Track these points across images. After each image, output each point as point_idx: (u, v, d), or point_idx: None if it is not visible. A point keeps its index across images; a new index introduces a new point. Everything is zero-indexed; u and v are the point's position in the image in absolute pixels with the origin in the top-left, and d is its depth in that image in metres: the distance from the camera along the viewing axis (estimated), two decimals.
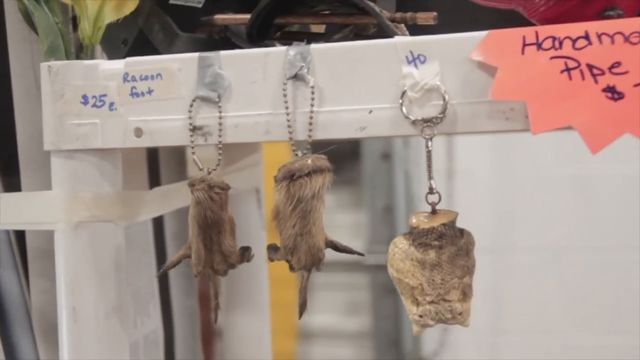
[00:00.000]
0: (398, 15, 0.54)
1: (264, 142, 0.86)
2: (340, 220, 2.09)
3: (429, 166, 0.50)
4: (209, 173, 0.54)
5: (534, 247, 1.81)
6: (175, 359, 0.80)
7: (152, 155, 0.76)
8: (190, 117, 0.54)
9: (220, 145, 0.54)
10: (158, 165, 0.76)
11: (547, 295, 1.79)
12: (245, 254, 0.56)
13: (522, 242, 1.82)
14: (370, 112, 0.51)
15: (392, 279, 0.50)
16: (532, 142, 1.77)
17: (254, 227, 0.81)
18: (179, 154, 0.79)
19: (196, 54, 0.54)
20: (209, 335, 0.87)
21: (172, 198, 0.63)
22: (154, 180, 0.76)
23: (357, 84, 0.51)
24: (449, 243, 0.49)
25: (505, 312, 1.85)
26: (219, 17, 0.59)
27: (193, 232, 0.54)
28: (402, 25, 0.55)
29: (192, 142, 0.54)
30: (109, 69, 0.56)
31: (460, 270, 0.50)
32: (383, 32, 0.54)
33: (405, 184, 1.94)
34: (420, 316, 0.49)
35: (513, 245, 1.83)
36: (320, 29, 0.64)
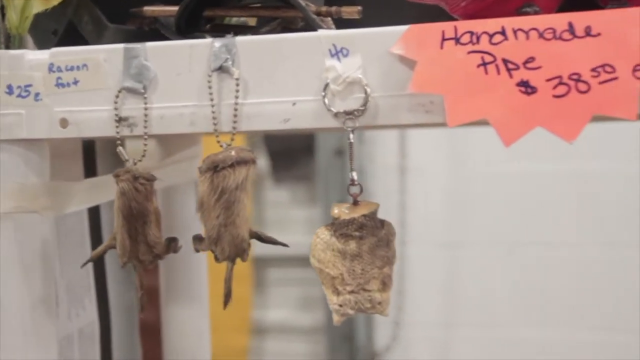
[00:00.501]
0: (324, 9, 0.54)
1: (205, 136, 0.86)
2: (294, 215, 2.10)
3: (351, 158, 0.51)
4: (135, 164, 0.54)
5: (486, 242, 1.83)
6: (112, 352, 0.80)
7: (89, 147, 0.76)
8: (115, 108, 0.54)
9: (146, 137, 0.54)
10: (94, 157, 0.76)
11: (498, 290, 1.82)
12: (171, 244, 0.56)
13: (475, 237, 1.84)
14: (294, 104, 0.52)
15: (314, 269, 0.51)
16: (484, 138, 1.79)
17: (192, 219, 0.81)
18: (115, 145, 0.78)
19: (122, 45, 0.54)
20: (147, 329, 0.87)
21: (104, 189, 0.63)
22: (90, 172, 0.76)
23: (281, 76, 0.52)
24: (369, 234, 0.50)
25: (457, 307, 1.87)
26: (148, 9, 0.59)
27: (118, 223, 0.54)
28: (329, 19, 0.56)
29: (117, 133, 0.54)
30: (34, 59, 0.55)
31: (380, 260, 0.50)
32: (310, 26, 0.55)
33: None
34: (340, 305, 0.50)
35: (465, 240, 1.85)
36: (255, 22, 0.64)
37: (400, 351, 1.92)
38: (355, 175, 0.51)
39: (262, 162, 2.09)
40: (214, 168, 0.51)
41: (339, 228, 0.51)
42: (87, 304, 0.76)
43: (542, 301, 1.78)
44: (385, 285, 0.50)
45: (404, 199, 1.87)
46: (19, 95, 0.55)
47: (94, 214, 0.77)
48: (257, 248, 1.92)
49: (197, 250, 0.54)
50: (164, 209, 0.81)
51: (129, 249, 0.54)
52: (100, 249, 0.56)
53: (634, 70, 0.44)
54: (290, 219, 2.11)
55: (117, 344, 0.80)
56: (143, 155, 0.54)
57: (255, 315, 2.10)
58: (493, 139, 1.53)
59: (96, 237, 0.76)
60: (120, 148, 0.54)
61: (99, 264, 0.78)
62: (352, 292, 0.50)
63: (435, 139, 1.86)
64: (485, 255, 1.83)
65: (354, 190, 0.51)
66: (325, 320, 1.99)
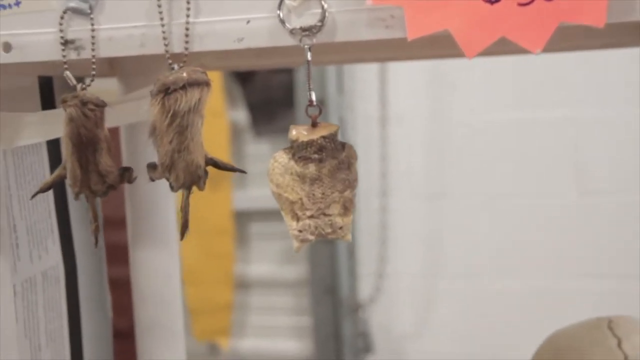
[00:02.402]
0: None
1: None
2: None
3: (309, 77, 0.49)
4: (83, 89, 0.51)
5: (468, 193, 1.82)
6: (79, 294, 0.78)
7: (46, 82, 0.73)
8: (61, 30, 0.51)
9: (94, 60, 0.51)
10: (53, 92, 0.73)
11: (482, 241, 1.81)
12: (125, 174, 0.53)
13: (457, 188, 1.83)
14: (248, 22, 0.49)
15: (272, 194, 0.49)
16: (467, 87, 1.77)
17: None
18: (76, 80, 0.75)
19: None
20: (118, 277, 0.85)
21: (58, 123, 0.60)
22: (49, 108, 0.73)
23: None
24: (329, 156, 0.48)
25: (440, 258, 1.86)
26: None
27: (67, 151, 0.51)
28: None
29: (64, 56, 0.51)
30: None
31: (341, 184, 0.48)
32: None
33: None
34: (300, 231, 0.48)
35: (448, 191, 1.83)
36: None
37: (383, 302, 1.92)
38: (313, 95, 0.49)
39: (242, 115, 2.06)
40: (165, 90, 0.49)
41: (297, 151, 0.48)
42: (50, 246, 0.73)
43: (525, 252, 1.77)
44: (346, 209, 0.48)
45: (385, 150, 1.85)
46: None
47: (54, 153, 0.74)
48: (239, 202, 1.90)
49: (152, 179, 0.52)
50: (126, 147, 0.79)
51: (80, 178, 0.51)
52: (50, 178, 0.53)
53: None
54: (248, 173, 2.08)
55: (84, 285, 0.78)
56: (92, 80, 0.51)
57: (238, 270, 2.09)
58: (476, 87, 1.52)
59: None
60: (67, 72, 0.51)
61: (61, 205, 0.76)
62: (311, 217, 0.48)
63: (416, 88, 1.83)
64: (468, 206, 1.82)
65: (313, 111, 0.49)
66: (308, 274, 1.98)
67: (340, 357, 1.97)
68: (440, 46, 0.66)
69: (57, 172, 0.53)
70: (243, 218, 2.07)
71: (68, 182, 0.52)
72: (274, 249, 2.08)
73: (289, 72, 1.99)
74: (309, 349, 2.04)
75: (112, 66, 0.80)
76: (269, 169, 0.49)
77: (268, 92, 2.05)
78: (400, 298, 1.93)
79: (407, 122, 1.85)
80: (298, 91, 1.98)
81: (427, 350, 1.90)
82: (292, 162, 0.48)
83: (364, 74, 1.86)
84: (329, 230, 0.48)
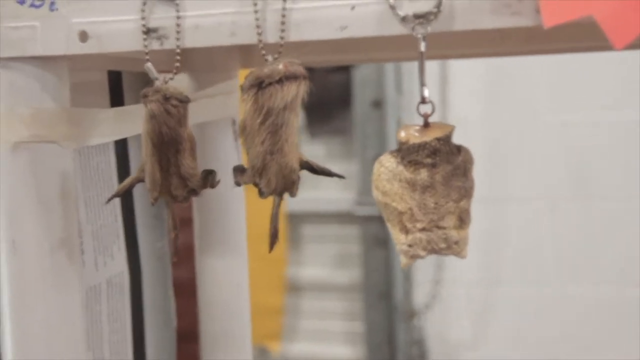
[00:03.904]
0: None
1: (241, 69, 0.78)
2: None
3: (422, 71, 0.43)
4: (166, 82, 0.46)
5: (527, 197, 1.76)
6: (144, 304, 0.73)
7: (115, 77, 0.68)
8: (143, 18, 0.46)
9: (179, 50, 0.46)
10: (121, 87, 0.69)
11: (541, 247, 1.75)
12: (209, 177, 0.48)
13: (516, 192, 1.77)
14: (353, 8, 0.43)
15: (377, 203, 0.43)
16: (526, 89, 1.71)
17: (230, 162, 0.74)
18: (144, 76, 0.71)
19: None
20: (181, 281, 0.80)
21: (132, 120, 0.56)
22: (118, 105, 0.68)
23: None
24: (443, 161, 0.42)
25: (497, 264, 1.80)
26: None
27: (147, 152, 0.46)
28: None
29: (145, 46, 0.46)
30: None
31: (456, 192, 0.42)
32: None
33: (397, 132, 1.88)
34: (410, 246, 0.42)
35: (507, 195, 1.77)
36: None
37: (439, 310, 1.87)
38: (426, 91, 0.43)
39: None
40: (259, 84, 0.43)
41: (407, 154, 0.42)
42: (115, 252, 0.69)
43: (586, 258, 1.70)
44: (462, 221, 0.42)
45: None
46: (32, 5, 0.47)
47: (122, 152, 0.70)
48: (292, 204, 1.86)
49: (238, 184, 0.46)
50: (197, 148, 0.73)
51: (160, 181, 0.46)
52: (127, 181, 0.48)
53: None
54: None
55: (148, 295, 0.74)
56: (175, 72, 0.46)
57: (290, 273, 2.05)
58: (537, 88, 1.45)
59: (124, 178, 0.69)
60: (149, 64, 0.46)
61: (128, 209, 0.71)
62: (423, 229, 0.42)
63: (476, 89, 1.77)
64: (527, 211, 1.76)
65: (425, 109, 0.43)
66: (361, 278, 1.93)
67: None
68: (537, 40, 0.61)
69: (134, 175, 0.48)
70: (296, 220, 2.03)
71: (146, 186, 0.47)
72: (327, 252, 2.03)
73: (345, 70, 1.94)
74: (362, 355, 1.99)
75: (183, 62, 0.75)
76: (374, 174, 0.43)
77: (324, 91, 2.00)
78: (456, 305, 1.87)
79: (467, 123, 1.79)
80: (355, 90, 1.92)
81: (483, 359, 1.84)
82: (401, 167, 0.42)
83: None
84: (443, 245, 0.42)
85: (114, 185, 0.69)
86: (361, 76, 1.92)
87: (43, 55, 0.48)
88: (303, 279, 2.05)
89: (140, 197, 0.72)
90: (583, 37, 0.54)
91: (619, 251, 1.68)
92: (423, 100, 0.43)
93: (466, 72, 1.76)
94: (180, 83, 0.76)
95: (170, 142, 0.46)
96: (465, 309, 1.86)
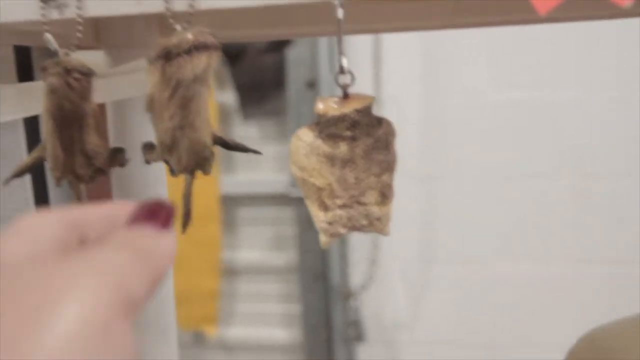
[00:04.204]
0: None
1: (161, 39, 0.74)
2: (264, 152, 1.99)
3: (340, 39, 0.40)
4: (67, 55, 0.43)
5: (462, 175, 1.76)
6: None
7: (24, 53, 0.64)
8: None
9: (80, 20, 0.43)
10: (31, 65, 0.65)
11: (476, 224, 1.75)
12: (117, 155, 0.45)
13: (452, 169, 1.76)
14: None
15: (295, 179, 0.41)
16: (462, 66, 1.70)
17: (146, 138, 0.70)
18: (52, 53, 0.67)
19: None
20: None
21: (38, 98, 0.52)
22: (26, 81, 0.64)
23: None
24: (363, 134, 0.40)
25: (434, 243, 1.80)
26: None
27: (48, 128, 0.43)
28: None
29: (43, 15, 0.43)
30: None
31: (378, 166, 0.40)
32: None
33: None
34: (330, 223, 0.40)
35: (441, 173, 1.77)
36: None
37: (376, 289, 1.86)
38: (344, 61, 0.40)
39: (229, 96, 1.98)
40: (166, 55, 0.40)
41: (325, 127, 0.40)
42: None
43: (521, 236, 1.72)
44: (384, 197, 0.40)
45: None
46: None
47: (32, 131, 0.66)
48: (226, 186, 1.82)
49: (148, 161, 0.44)
50: (113, 126, 0.70)
51: (63, 160, 0.43)
52: (27, 160, 0.45)
53: None
54: (260, 155, 2.01)
55: None
56: (77, 44, 0.43)
57: (226, 256, 2.02)
58: (471, 66, 1.44)
59: None
60: (48, 35, 0.43)
61: (40, 192, 0.68)
62: (344, 206, 0.40)
63: (410, 68, 1.76)
64: (462, 189, 1.76)
65: (344, 80, 0.41)
66: (297, 260, 1.91)
67: (330, 346, 1.91)
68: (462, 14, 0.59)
69: (34, 153, 0.44)
70: (230, 203, 1.99)
71: (48, 165, 0.44)
72: (263, 235, 2.01)
73: (279, 52, 1.91)
74: (299, 337, 1.98)
75: (98, 37, 0.71)
76: (290, 149, 0.41)
77: (257, 73, 1.97)
78: (393, 285, 1.86)
79: (402, 102, 1.78)
80: (289, 71, 1.90)
81: (421, 339, 1.85)
82: (320, 141, 0.40)
83: (358, 54, 1.79)
84: (365, 222, 0.40)
85: None
86: (295, 57, 1.90)
87: None
88: (239, 262, 2.03)
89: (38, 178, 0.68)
90: (509, 9, 0.52)
91: (554, 230, 1.69)
92: (341, 70, 0.40)
93: (399, 50, 1.75)
94: (97, 60, 0.72)
95: (72, 118, 0.42)
96: (401, 289, 1.86)
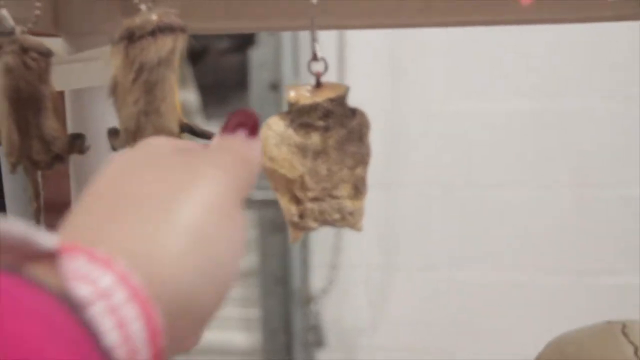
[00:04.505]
0: None
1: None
2: None
3: (313, 25, 0.39)
4: (24, 33, 0.40)
5: (424, 183, 1.75)
6: None
7: None
8: None
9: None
10: None
11: (437, 231, 1.75)
12: (75, 142, 0.43)
13: (413, 177, 1.76)
14: None
15: (264, 170, 0.39)
16: (423, 76, 1.71)
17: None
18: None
19: None
20: None
21: None
22: None
23: None
24: (337, 124, 0.38)
25: (395, 249, 1.80)
26: None
27: (2, 111, 0.40)
28: None
29: None
30: None
31: (351, 158, 0.38)
32: None
33: None
34: (301, 217, 0.38)
35: (403, 181, 1.77)
36: None
37: (337, 294, 1.85)
38: (317, 47, 0.39)
39: (192, 96, 1.96)
40: (129, 37, 0.38)
41: (297, 116, 0.38)
42: None
43: (481, 243, 1.72)
44: (358, 190, 0.38)
45: None
46: None
47: None
48: None
49: (114, 148, 0.41)
50: (72, 113, 0.67)
51: (18, 145, 0.40)
52: None
53: None
54: None
55: None
56: (36, 22, 0.41)
57: None
58: (433, 75, 1.43)
59: None
60: (3, 11, 0.40)
61: None
62: (315, 199, 0.38)
63: (374, 75, 1.76)
64: (424, 196, 1.76)
65: (317, 67, 0.39)
66: (258, 263, 1.89)
67: (290, 351, 1.90)
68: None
69: None
70: None
71: (2, 149, 0.41)
72: None
73: (242, 52, 1.90)
74: (258, 341, 1.96)
75: (58, 24, 0.69)
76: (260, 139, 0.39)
77: (220, 73, 1.95)
78: (354, 290, 1.85)
79: (365, 108, 1.77)
80: (252, 72, 1.88)
81: (381, 345, 1.84)
82: (291, 131, 0.38)
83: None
84: (337, 216, 0.38)
85: None
86: (258, 58, 1.88)
87: None
88: None
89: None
90: (474, 10, 0.52)
91: (511, 236, 1.70)
92: (314, 57, 0.38)
93: (363, 56, 1.74)
94: (55, 47, 0.69)
95: (29, 100, 0.40)
96: (362, 294, 1.85)
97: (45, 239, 0.22)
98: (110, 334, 0.21)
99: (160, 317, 0.24)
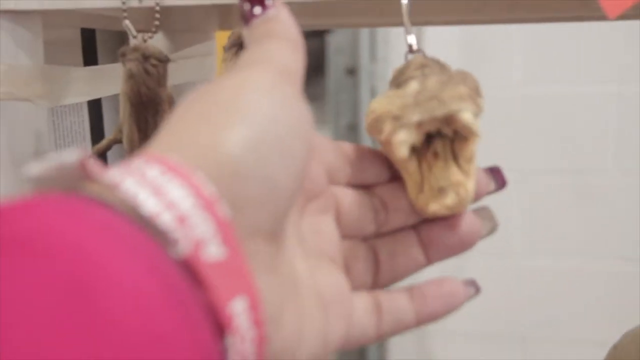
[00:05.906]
0: None
1: (218, 31, 0.77)
2: None
3: (406, 18, 0.41)
4: (145, 41, 0.45)
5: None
6: None
7: (88, 35, 0.66)
8: None
9: (158, 8, 0.45)
10: (95, 46, 0.67)
11: (515, 218, 1.75)
12: None
13: (487, 163, 1.76)
14: None
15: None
16: (501, 57, 1.70)
17: None
18: (119, 34, 0.69)
19: None
20: None
21: (107, 80, 0.54)
22: (91, 64, 0.67)
23: None
24: (433, 72, 0.39)
25: None
26: None
27: (125, 112, 0.45)
28: None
29: (123, 3, 0.45)
30: None
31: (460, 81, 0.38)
32: None
33: (370, 101, 1.87)
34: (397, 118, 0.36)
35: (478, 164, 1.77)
36: None
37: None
38: (413, 39, 0.41)
39: None
40: (240, 44, 0.42)
41: (394, 81, 0.39)
42: None
43: (556, 230, 1.72)
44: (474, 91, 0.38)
45: None
46: None
47: (96, 112, 0.68)
48: None
49: None
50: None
51: (138, 143, 0.45)
52: (103, 143, 0.47)
53: None
54: None
55: None
56: (154, 31, 0.45)
57: None
58: (511, 58, 1.44)
59: (98, 139, 0.68)
60: (127, 22, 0.45)
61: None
62: (417, 104, 0.36)
63: (450, 59, 1.76)
64: None
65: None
66: None
67: None
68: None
69: (111, 135, 0.47)
70: None
71: (124, 147, 0.46)
72: None
73: (319, 37, 1.92)
74: None
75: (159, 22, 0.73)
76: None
77: None
78: (428, 270, 1.87)
79: None
80: (329, 57, 1.91)
81: (453, 330, 1.85)
82: (391, 93, 0.39)
83: (398, 42, 1.79)
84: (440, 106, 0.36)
85: (88, 147, 0.67)
86: (335, 43, 1.90)
87: (16, 10, 0.46)
88: None
89: (115, 159, 0.71)
90: (567, 7, 0.53)
91: (588, 224, 1.69)
92: (410, 50, 0.41)
93: (440, 39, 1.75)
94: (157, 43, 0.74)
95: (149, 103, 0.44)
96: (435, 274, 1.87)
97: (93, 162, 0.22)
98: (181, 243, 0.21)
99: (229, 216, 0.23)
